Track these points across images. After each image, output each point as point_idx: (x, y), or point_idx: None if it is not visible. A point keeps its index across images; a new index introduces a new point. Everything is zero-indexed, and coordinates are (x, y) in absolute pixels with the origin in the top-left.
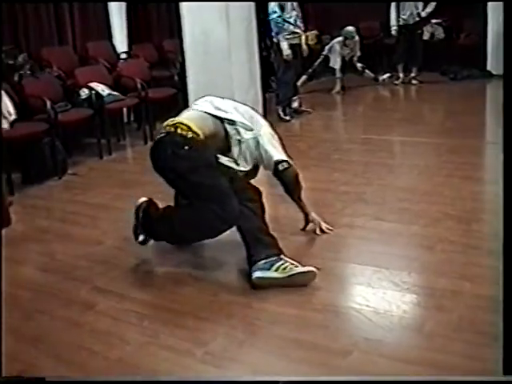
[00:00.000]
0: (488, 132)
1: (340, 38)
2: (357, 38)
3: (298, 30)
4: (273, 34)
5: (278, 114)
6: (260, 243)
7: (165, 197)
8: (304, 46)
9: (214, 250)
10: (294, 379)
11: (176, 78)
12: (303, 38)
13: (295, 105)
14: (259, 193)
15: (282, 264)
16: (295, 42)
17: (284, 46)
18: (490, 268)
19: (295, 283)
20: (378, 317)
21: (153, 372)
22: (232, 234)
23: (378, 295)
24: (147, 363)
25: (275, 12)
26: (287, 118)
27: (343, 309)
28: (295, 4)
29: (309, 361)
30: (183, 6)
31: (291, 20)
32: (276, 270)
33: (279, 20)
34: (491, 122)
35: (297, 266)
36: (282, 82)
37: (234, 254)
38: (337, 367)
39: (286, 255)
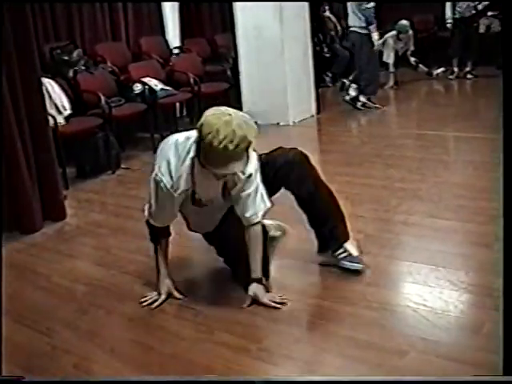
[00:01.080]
0: None
1: (394, 32)
2: (411, 32)
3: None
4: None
5: (364, 103)
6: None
7: None
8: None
9: None
10: (271, 379)
11: (229, 72)
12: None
13: (363, 99)
14: None
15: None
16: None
17: (375, 36)
18: None
19: None
20: (434, 316)
21: (207, 368)
22: None
23: (435, 294)
24: (201, 359)
25: (363, 3)
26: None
27: (399, 307)
28: None
29: (364, 360)
30: (236, 1)
31: (372, 12)
32: None
33: (373, 11)
34: None
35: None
36: (366, 72)
37: (288, 253)
38: (394, 367)
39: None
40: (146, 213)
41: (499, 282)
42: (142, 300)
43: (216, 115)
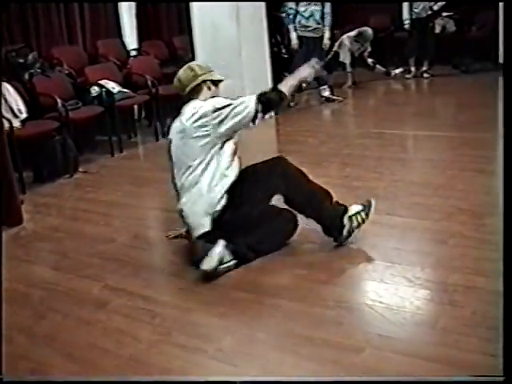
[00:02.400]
0: (500, 125)
1: (351, 34)
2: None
3: (311, 24)
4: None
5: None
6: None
7: None
8: (326, 41)
9: None
10: (251, 379)
11: None
12: (327, 33)
13: (326, 93)
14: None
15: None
16: (308, 35)
17: (292, 35)
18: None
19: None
20: (390, 313)
21: (165, 370)
22: None
23: (391, 291)
24: (159, 361)
25: (288, 4)
26: (292, 104)
27: (356, 305)
28: None
29: (321, 358)
30: (193, 2)
31: (305, 14)
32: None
33: (291, 12)
34: (503, 116)
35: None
36: (291, 71)
37: None
38: (350, 364)
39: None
40: None
41: (454, 278)
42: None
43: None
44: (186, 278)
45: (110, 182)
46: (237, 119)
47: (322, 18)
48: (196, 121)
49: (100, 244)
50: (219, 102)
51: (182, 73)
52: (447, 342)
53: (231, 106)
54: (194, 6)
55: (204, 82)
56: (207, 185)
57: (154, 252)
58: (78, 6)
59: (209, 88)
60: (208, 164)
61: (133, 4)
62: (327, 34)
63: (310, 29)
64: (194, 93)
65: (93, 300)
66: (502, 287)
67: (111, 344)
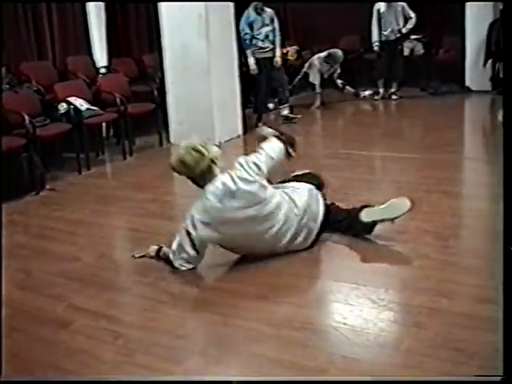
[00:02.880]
0: (467, 147)
1: (321, 54)
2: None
3: (267, 45)
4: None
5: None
6: None
7: (145, 213)
8: (277, 59)
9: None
10: (247, 379)
11: (155, 92)
12: (278, 51)
13: (285, 112)
14: None
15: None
16: (265, 55)
17: (250, 61)
18: (467, 285)
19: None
20: (355, 334)
21: None
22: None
23: (355, 312)
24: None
25: (243, 30)
26: (260, 124)
27: (321, 326)
28: (268, 20)
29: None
30: (163, 21)
31: (260, 36)
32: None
33: (246, 37)
34: (470, 138)
35: None
36: (256, 92)
37: (211, 273)
38: None
39: None
40: None
41: (419, 299)
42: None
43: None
44: (150, 298)
45: (77, 200)
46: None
47: None
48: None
49: (65, 263)
50: (250, 159)
51: (186, 156)
52: (410, 363)
53: (264, 153)
54: (163, 24)
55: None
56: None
57: (119, 272)
58: (47, 22)
59: (215, 162)
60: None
61: (103, 21)
62: (278, 52)
63: (267, 49)
64: (207, 172)
65: (56, 320)
66: (502, 291)
67: (74, 364)
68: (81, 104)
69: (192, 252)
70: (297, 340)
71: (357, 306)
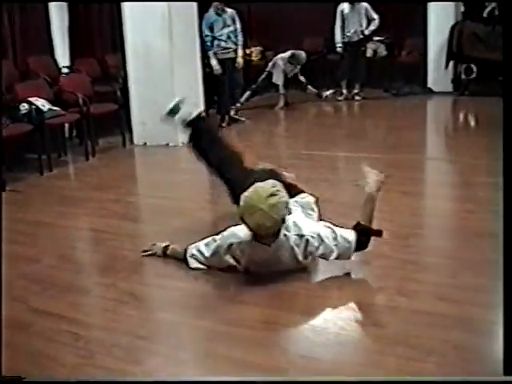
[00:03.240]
0: (428, 147)
1: (284, 55)
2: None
3: (230, 45)
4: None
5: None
6: None
7: (108, 214)
8: (239, 59)
9: (154, 265)
10: (271, 379)
11: (118, 93)
12: (239, 51)
13: (231, 113)
14: None
15: None
16: (228, 56)
17: (213, 62)
18: (427, 283)
19: None
20: (314, 334)
21: None
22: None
23: (315, 312)
24: None
25: (204, 32)
26: (224, 124)
27: (280, 326)
28: (230, 21)
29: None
30: (126, 21)
31: (222, 37)
32: None
33: (207, 40)
34: (431, 138)
35: None
36: (219, 93)
37: (172, 273)
38: None
39: None
40: None
41: (378, 298)
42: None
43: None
44: (112, 299)
45: (39, 201)
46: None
47: None
48: None
49: (25, 265)
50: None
51: (267, 222)
52: (369, 362)
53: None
54: (126, 24)
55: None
56: None
57: (80, 273)
58: (7, 20)
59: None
60: None
61: (65, 21)
62: (240, 52)
63: (230, 50)
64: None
65: (16, 322)
66: (503, 291)
67: (32, 368)
68: (42, 104)
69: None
70: (254, 339)
71: (317, 306)
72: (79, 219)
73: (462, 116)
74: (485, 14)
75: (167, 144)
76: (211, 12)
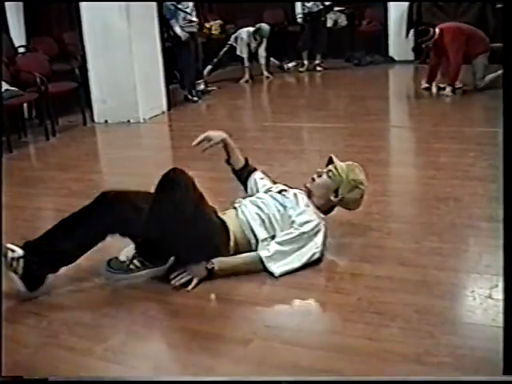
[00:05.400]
0: (390, 116)
1: (249, 29)
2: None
3: (195, 19)
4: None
5: (186, 97)
6: None
7: (69, 193)
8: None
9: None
10: (297, 379)
11: (77, 71)
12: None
13: (201, 87)
14: None
15: None
16: (192, 30)
17: (177, 30)
18: (389, 249)
19: None
20: (278, 304)
21: (52, 373)
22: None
23: (278, 282)
24: (45, 365)
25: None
26: (195, 98)
27: (243, 298)
28: None
29: (210, 351)
30: None
31: (188, 10)
32: None
33: (171, 7)
34: (393, 106)
35: None
36: (184, 66)
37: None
38: (238, 356)
39: None
40: None
41: (341, 265)
42: None
43: None
44: (76, 278)
45: None
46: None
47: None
48: None
49: None
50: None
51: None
52: (334, 329)
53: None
54: (82, 3)
55: None
56: None
57: None
58: None
59: None
60: None
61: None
62: None
63: (194, 23)
64: None
65: None
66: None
67: None
68: None
69: None
70: (219, 312)
71: (279, 276)
72: (40, 199)
73: (423, 84)
74: None
75: (128, 121)
76: None
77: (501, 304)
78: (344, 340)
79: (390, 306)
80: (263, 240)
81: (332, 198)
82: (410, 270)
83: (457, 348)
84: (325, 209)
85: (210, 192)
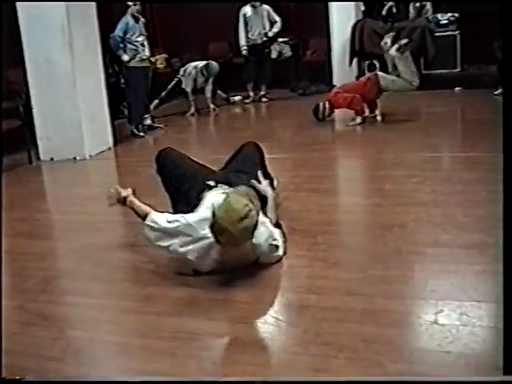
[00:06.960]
0: (335, 144)
1: (198, 64)
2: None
3: (147, 53)
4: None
5: (132, 132)
6: None
7: (13, 233)
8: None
9: (62, 284)
10: (271, 379)
11: (21, 109)
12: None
13: (148, 122)
14: None
15: None
16: (142, 64)
17: (125, 57)
18: (335, 279)
19: None
20: (223, 339)
21: None
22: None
23: (223, 315)
24: None
25: (118, 35)
26: (141, 133)
27: (188, 335)
28: (143, 29)
29: None
30: (23, 34)
31: (138, 44)
32: None
33: (119, 39)
34: (338, 135)
35: None
36: (132, 100)
37: (85, 290)
38: None
39: None
40: None
41: (287, 297)
42: None
43: None
44: (18, 322)
45: None
46: None
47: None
48: None
49: None
50: None
51: (234, 243)
52: (281, 363)
53: None
54: (24, 37)
55: None
56: None
57: None
58: None
59: None
60: None
61: None
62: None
63: (144, 59)
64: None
65: None
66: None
67: None
68: None
69: None
70: (165, 350)
71: (222, 310)
72: None
73: (367, 111)
74: (383, 12)
75: (74, 158)
76: (128, 16)
77: (446, 329)
78: (291, 373)
79: (337, 337)
80: None
81: None
82: (356, 299)
83: (404, 375)
84: None
85: None
